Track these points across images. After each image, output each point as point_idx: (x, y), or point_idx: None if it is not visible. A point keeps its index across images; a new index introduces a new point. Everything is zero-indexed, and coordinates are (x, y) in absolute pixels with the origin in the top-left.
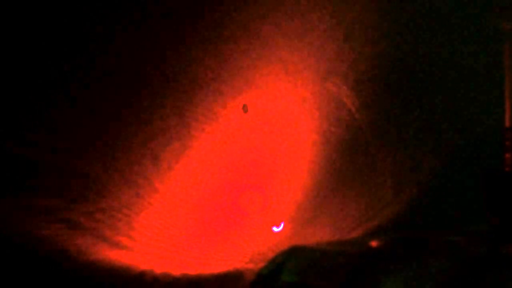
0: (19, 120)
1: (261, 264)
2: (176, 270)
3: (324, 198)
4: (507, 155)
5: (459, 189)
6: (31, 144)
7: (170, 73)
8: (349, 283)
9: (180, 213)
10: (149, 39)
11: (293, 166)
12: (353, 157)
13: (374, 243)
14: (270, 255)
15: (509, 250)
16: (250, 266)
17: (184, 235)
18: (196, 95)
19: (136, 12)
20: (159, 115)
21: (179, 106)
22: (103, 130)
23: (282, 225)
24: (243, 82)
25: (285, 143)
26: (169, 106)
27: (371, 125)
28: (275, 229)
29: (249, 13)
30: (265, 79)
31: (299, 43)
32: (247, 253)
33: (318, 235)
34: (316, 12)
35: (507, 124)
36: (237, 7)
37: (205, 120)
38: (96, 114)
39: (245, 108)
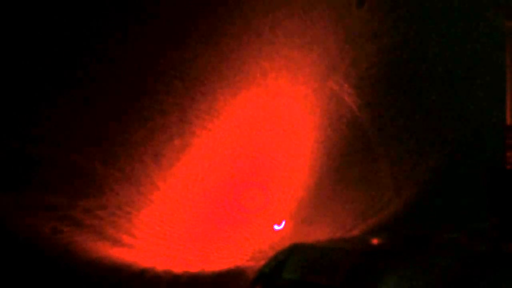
0: (19, 116)
1: (262, 262)
2: (177, 267)
3: (325, 196)
4: (509, 154)
5: (460, 187)
6: (31, 141)
7: (171, 69)
8: (350, 281)
9: (181, 211)
10: (150, 36)
11: (294, 164)
12: (354, 155)
13: (375, 241)
14: (271, 252)
15: (510, 248)
16: (251, 263)
17: (185, 233)
18: (197, 92)
19: (137, 8)
20: (160, 112)
21: (180, 103)
22: (104, 127)
23: (283, 223)
24: (244, 79)
25: (286, 141)
26: (170, 103)
27: (372, 123)
28: (276, 227)
29: (251, 10)
30: (266, 76)
31: (301, 40)
32: (248, 251)
33: (319, 232)
34: (317, 8)
35: (508, 122)
36: (239, 3)
37: (206, 117)
38: (97, 111)
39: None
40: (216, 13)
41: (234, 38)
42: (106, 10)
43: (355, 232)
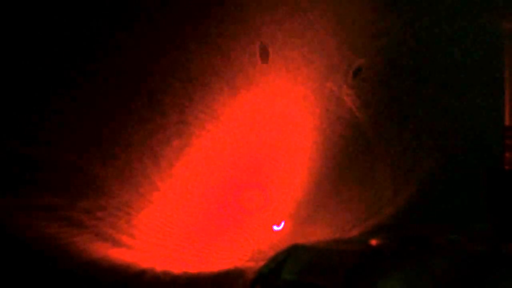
0: (18, 117)
1: (262, 263)
2: (176, 268)
3: (325, 197)
4: (508, 154)
5: (460, 188)
6: (30, 142)
7: (170, 70)
8: (349, 281)
9: (181, 211)
10: (149, 36)
11: (293, 164)
12: (353, 156)
13: (374, 242)
14: (271, 253)
15: (510, 249)
16: (251, 264)
17: (184, 233)
18: (196, 93)
19: (136, 8)
20: (159, 113)
21: (179, 103)
22: (103, 127)
23: (282, 223)
24: (243, 79)
25: (286, 141)
26: (169, 103)
27: (371, 123)
28: (275, 227)
29: (250, 10)
30: (265, 76)
31: (300, 40)
32: (247, 252)
33: (319, 233)
34: (317, 8)
35: (507, 123)
36: (238, 3)
37: (205, 118)
38: (95, 111)
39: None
40: (216, 13)
41: (233, 38)
42: (105, 10)
43: (355, 233)
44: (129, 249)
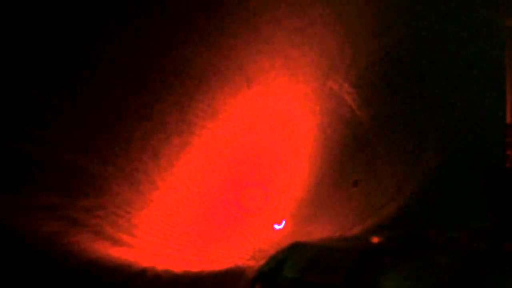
0: (19, 116)
1: (262, 261)
2: (177, 267)
3: (325, 195)
4: (509, 152)
5: (460, 186)
6: (30, 141)
7: (170, 68)
8: (349, 280)
9: (181, 210)
10: (149, 35)
11: (294, 163)
12: (354, 154)
13: (375, 240)
14: (272, 252)
15: (510, 248)
16: (252, 263)
17: (185, 232)
18: (197, 91)
19: (136, 7)
20: (159, 111)
21: (179, 102)
22: (103, 126)
23: (283, 222)
24: (243, 78)
25: (286, 140)
26: (169, 102)
27: (372, 121)
28: (276, 226)
29: (250, 9)
30: (266, 75)
31: (300, 38)
32: (248, 250)
33: (319, 231)
34: (317, 7)
35: (508, 121)
36: (238, 2)
37: (206, 116)
38: (96, 110)
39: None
40: (216, 12)
41: (234, 37)
42: (106, 9)
43: (355, 231)
44: (130, 248)
